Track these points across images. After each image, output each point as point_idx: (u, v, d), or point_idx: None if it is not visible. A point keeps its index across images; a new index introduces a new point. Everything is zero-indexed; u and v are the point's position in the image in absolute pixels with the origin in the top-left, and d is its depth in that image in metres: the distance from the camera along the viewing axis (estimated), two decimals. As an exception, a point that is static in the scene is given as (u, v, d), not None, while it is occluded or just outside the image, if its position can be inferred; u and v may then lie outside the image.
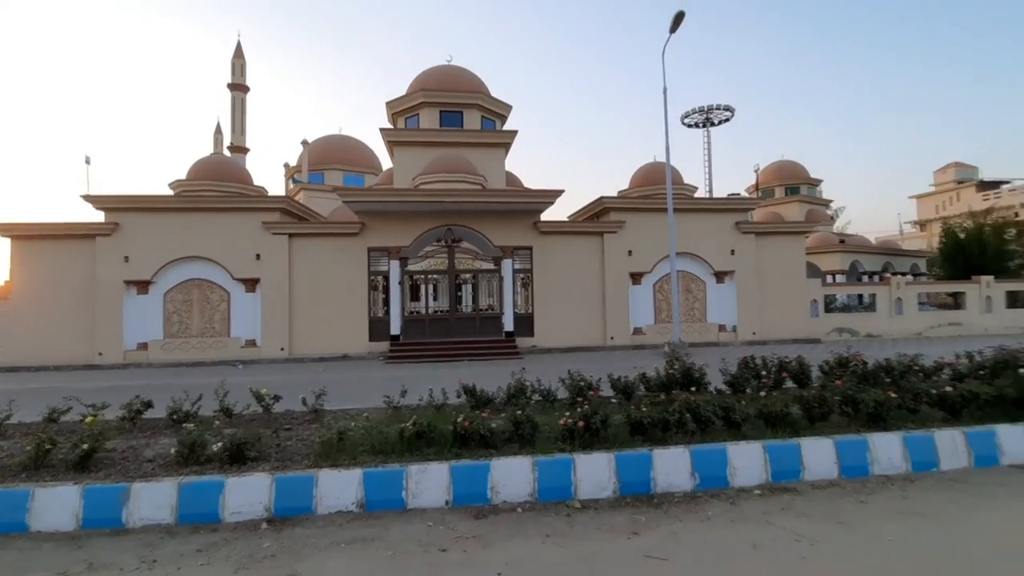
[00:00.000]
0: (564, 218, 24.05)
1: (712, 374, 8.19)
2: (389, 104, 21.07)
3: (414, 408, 7.31)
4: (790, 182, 42.65)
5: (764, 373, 7.96)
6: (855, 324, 21.54)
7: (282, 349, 17.55)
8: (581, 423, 5.61)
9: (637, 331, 19.76)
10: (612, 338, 19.22)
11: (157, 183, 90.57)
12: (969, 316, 22.28)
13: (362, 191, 19.13)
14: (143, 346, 17.18)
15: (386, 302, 18.68)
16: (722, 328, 20.31)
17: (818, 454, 5.63)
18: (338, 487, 4.94)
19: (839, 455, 5.64)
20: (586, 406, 5.90)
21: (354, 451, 5.53)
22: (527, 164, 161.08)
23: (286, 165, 39.63)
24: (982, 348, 8.82)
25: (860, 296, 24.56)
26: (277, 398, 7.49)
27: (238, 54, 42.86)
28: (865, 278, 36.37)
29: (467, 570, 3.99)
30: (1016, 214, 47.81)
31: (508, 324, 18.98)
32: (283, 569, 4.00)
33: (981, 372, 8.10)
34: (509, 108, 21.84)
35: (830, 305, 22.71)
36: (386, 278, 18.65)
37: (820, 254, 35.57)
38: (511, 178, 22.74)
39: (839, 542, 4.33)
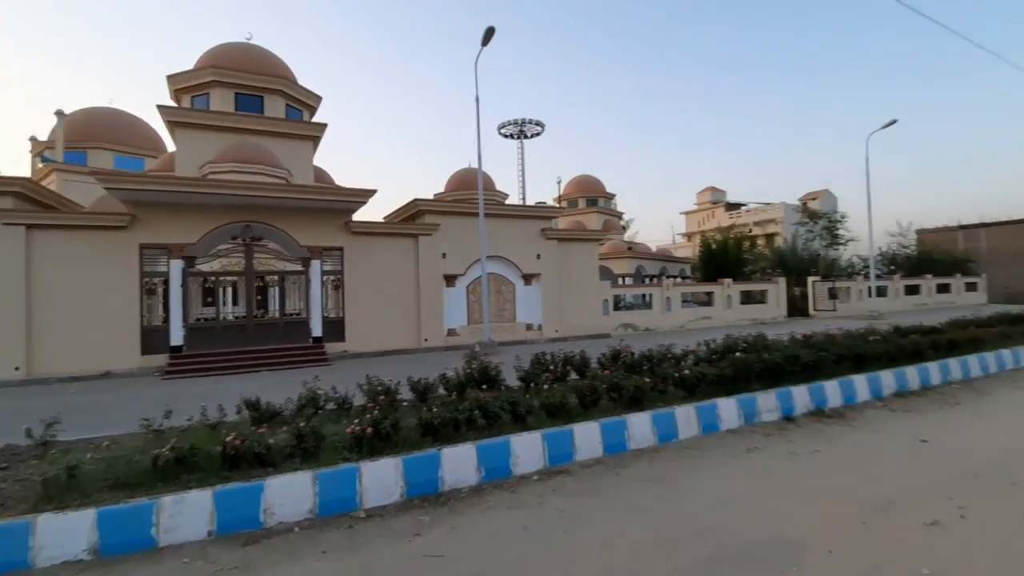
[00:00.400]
0: (379, 220, 23.47)
1: (509, 371, 8.76)
2: (171, 79, 18.16)
3: (183, 430, 6.37)
4: (590, 194, 47.88)
5: (552, 367, 8.75)
6: (636, 320, 25.01)
7: (16, 368, 13.93)
8: (370, 429, 5.50)
9: (451, 332, 20.20)
10: (426, 340, 19.33)
11: None
12: (717, 311, 27.52)
13: (132, 176, 16.12)
14: None
15: (166, 308, 16.09)
16: (530, 327, 21.85)
17: (587, 437, 6.37)
18: (63, 533, 4.07)
19: (603, 436, 6.46)
20: (376, 412, 5.80)
21: (92, 488, 4.63)
22: (342, 163, 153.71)
23: (32, 139, 31.77)
24: (718, 336, 10.92)
25: (644, 295, 28.64)
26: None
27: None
28: (647, 280, 42.54)
29: (226, 605, 3.62)
30: (750, 230, 60.54)
31: (316, 329, 17.83)
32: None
33: (713, 356, 10.03)
34: (319, 99, 20.53)
35: (619, 304, 26.03)
36: (165, 281, 16.06)
37: (613, 259, 40.50)
38: (321, 174, 21.44)
39: (594, 511, 4.95)
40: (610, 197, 50.18)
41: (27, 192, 14.69)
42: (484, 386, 7.88)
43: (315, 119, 20.92)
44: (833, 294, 32.03)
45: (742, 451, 6.70)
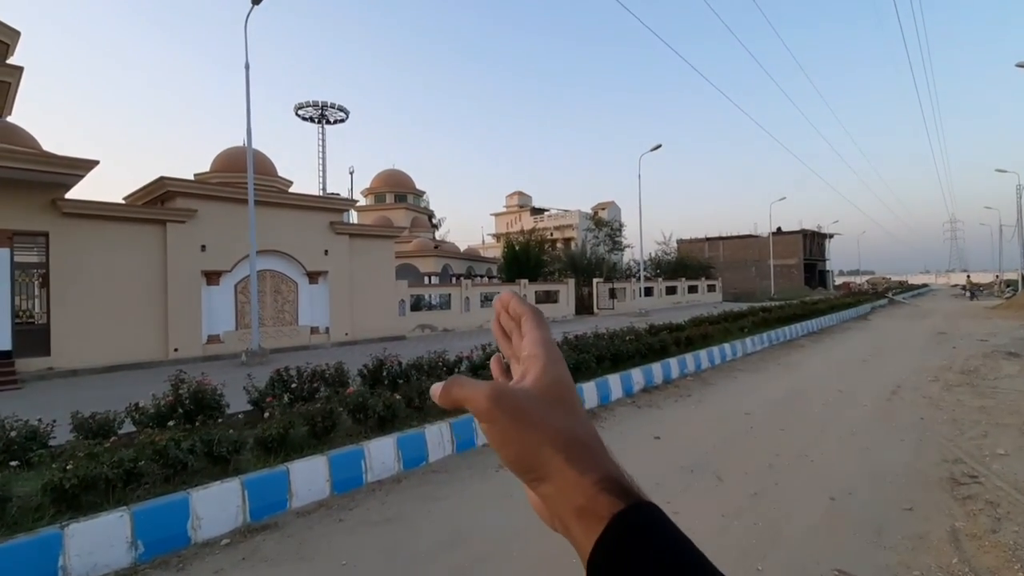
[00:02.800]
0: (121, 201, 18.86)
1: (239, 391, 7.16)
2: None
3: None
4: (398, 190, 46.39)
5: (294, 385, 7.40)
6: (435, 320, 24.51)
7: None
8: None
9: (213, 339, 17.09)
10: (176, 350, 15.98)
11: None
12: (513, 310, 28.53)
13: None
14: None
15: None
16: (315, 330, 19.73)
17: (308, 475, 5.24)
18: None
19: (332, 471, 5.40)
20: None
21: None
22: (62, 129, 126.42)
23: None
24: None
25: (450, 295, 28.36)
26: None
27: None
28: (453, 279, 42.76)
29: None
30: (551, 234, 65.52)
31: (3, 341, 13.35)
32: None
33: (488, 362, 9.71)
34: (16, 34, 15.47)
35: (419, 304, 25.25)
36: None
37: (419, 257, 39.72)
38: (21, 136, 16.30)
39: (285, 587, 3.86)
40: (420, 194, 49.36)
41: None
42: (196, 417, 6.21)
43: (12, 61, 15.76)
44: (612, 294, 35.90)
45: (493, 470, 6.23)
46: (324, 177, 42.05)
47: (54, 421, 5.64)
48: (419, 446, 6.27)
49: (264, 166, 20.83)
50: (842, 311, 27.35)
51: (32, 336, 13.90)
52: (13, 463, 4.62)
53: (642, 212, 33.19)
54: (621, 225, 44.63)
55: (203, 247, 16.74)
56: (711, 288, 47.44)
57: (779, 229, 65.50)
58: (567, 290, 32.87)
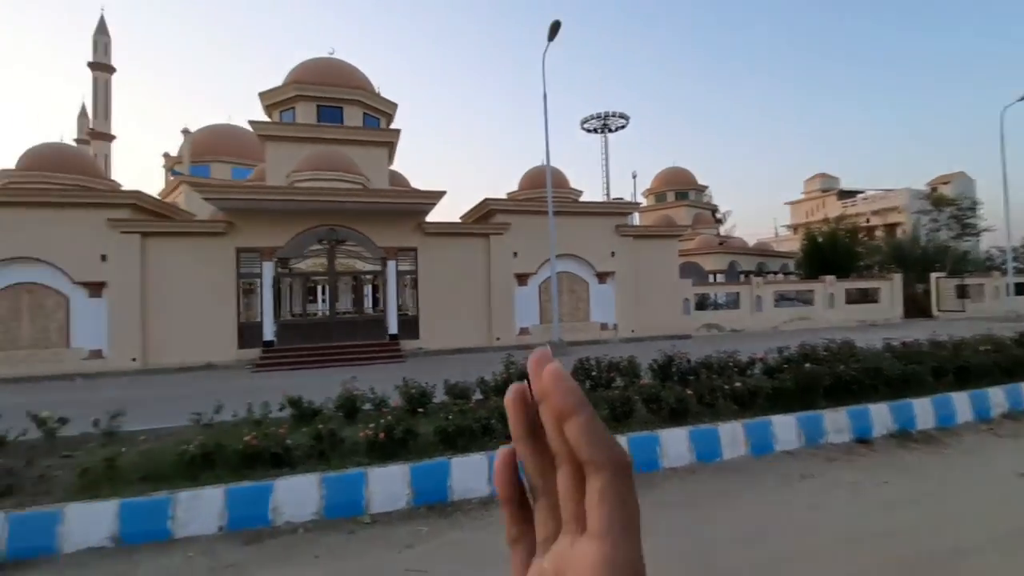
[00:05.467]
0: (457, 220, 24.01)
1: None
2: (263, 95, 19.90)
3: (232, 424, 6.88)
4: (679, 187, 45.62)
5: (594, 373, 8.36)
6: (722, 320, 23.40)
7: (134, 359, 16.00)
8: (382, 435, 5.56)
9: (523, 331, 20.17)
10: (498, 339, 19.46)
11: None
12: (816, 311, 25.00)
13: (226, 187, 17.88)
14: (-42, 360, 14.95)
15: (259, 306, 17.64)
16: (603, 327, 21.24)
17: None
18: (89, 522, 4.51)
19: (631, 452, 6.02)
20: (388, 417, 5.85)
21: (125, 479, 5.10)
22: (422, 167, 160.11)
23: (165, 155, 36.39)
24: (813, 340, 9.89)
25: (738, 294, 26.75)
26: (64, 420, 6.73)
27: (101, 30, 38.59)
28: (741, 277, 39.71)
29: (211, 602, 3.79)
30: (868, 220, 54.40)
31: (392, 327, 18.62)
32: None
33: (786, 366, 9.03)
34: (394, 106, 21.41)
35: (705, 303, 24.50)
36: (259, 281, 17.60)
37: (703, 255, 38.31)
38: (399, 178, 22.35)
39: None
40: (702, 189, 47.54)
41: (140, 203, 16.74)
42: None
43: (392, 126, 21.83)
44: (963, 292, 27.91)
45: (795, 477, 5.93)
46: (608, 183, 44.41)
47: (434, 385, 7.81)
48: (711, 441, 6.40)
49: (559, 180, 23.46)
50: None
51: (407, 324, 18.98)
52: (420, 410, 6.70)
53: (1007, 183, 24.83)
54: (975, 203, 34.01)
55: (515, 254, 19.94)
56: None
57: None
58: (891, 288, 26.99)
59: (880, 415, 7.29)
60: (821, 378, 7.58)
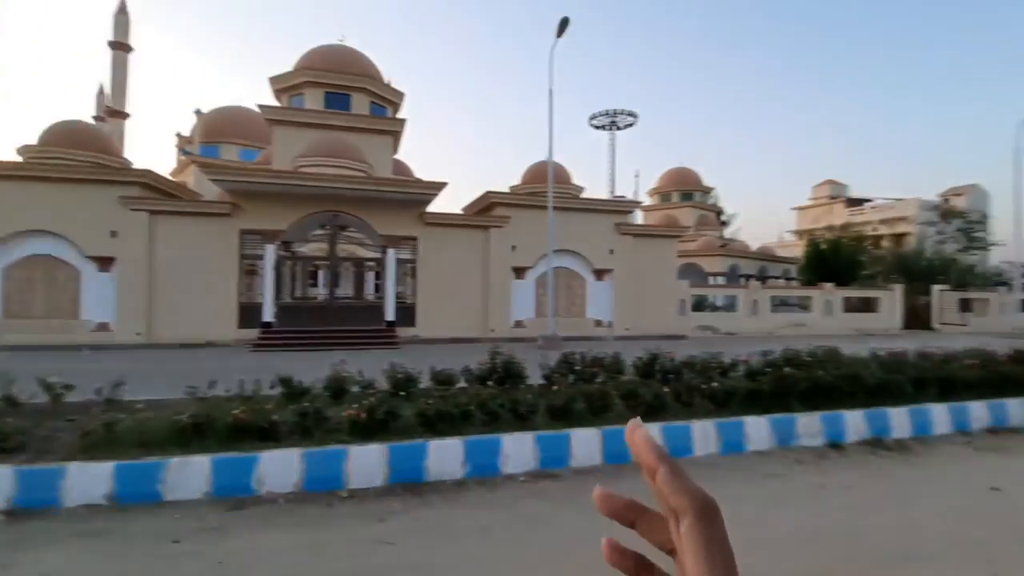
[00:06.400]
0: (459, 211, 24.20)
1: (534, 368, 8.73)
2: (272, 80, 20.12)
3: (225, 398, 7.15)
4: (685, 188, 45.60)
5: (578, 367, 8.58)
6: (718, 322, 23.56)
7: (138, 334, 16.35)
8: (364, 415, 5.81)
9: (518, 324, 20.40)
10: (493, 330, 19.71)
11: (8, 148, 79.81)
12: (813, 318, 25.11)
13: (232, 168, 18.18)
14: (-33, 327, 15.34)
15: (260, 287, 17.95)
16: (599, 323, 21.45)
17: (585, 443, 6.21)
18: (88, 481, 4.80)
19: (604, 443, 6.26)
20: (372, 399, 6.10)
21: (123, 444, 5.37)
22: (425, 155, 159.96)
23: (178, 135, 36.73)
24: (801, 346, 10.10)
25: (735, 297, 26.86)
26: (69, 387, 7.04)
27: (122, 10, 38.83)
28: (743, 280, 39.76)
29: (193, 560, 4.06)
30: (875, 229, 54.13)
31: (389, 314, 18.89)
32: (-4, 561, 3.89)
33: (768, 369, 9.23)
34: (402, 96, 21.57)
35: (702, 304, 24.65)
36: (261, 262, 17.89)
37: (704, 256, 38.38)
38: (402, 167, 22.56)
39: (565, 520, 4.84)
40: (708, 191, 47.52)
41: (150, 182, 17.03)
42: (505, 381, 7.94)
43: (398, 115, 22.00)
44: (966, 306, 27.92)
45: (759, 476, 6.15)
46: (613, 180, 44.45)
47: (420, 371, 8.06)
48: (683, 437, 6.62)
49: (561, 176, 23.59)
50: None
51: (405, 312, 19.24)
52: (402, 393, 6.96)
53: (1020, 196, 24.78)
54: (983, 216, 33.86)
55: (513, 247, 20.15)
56: None
57: None
58: (891, 298, 27.04)
59: (855, 421, 7.49)
60: (797, 382, 7.78)
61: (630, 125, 44.32)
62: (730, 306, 24.55)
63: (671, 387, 7.36)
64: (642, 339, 20.24)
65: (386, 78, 22.38)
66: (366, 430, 5.88)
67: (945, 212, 35.50)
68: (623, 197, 34.60)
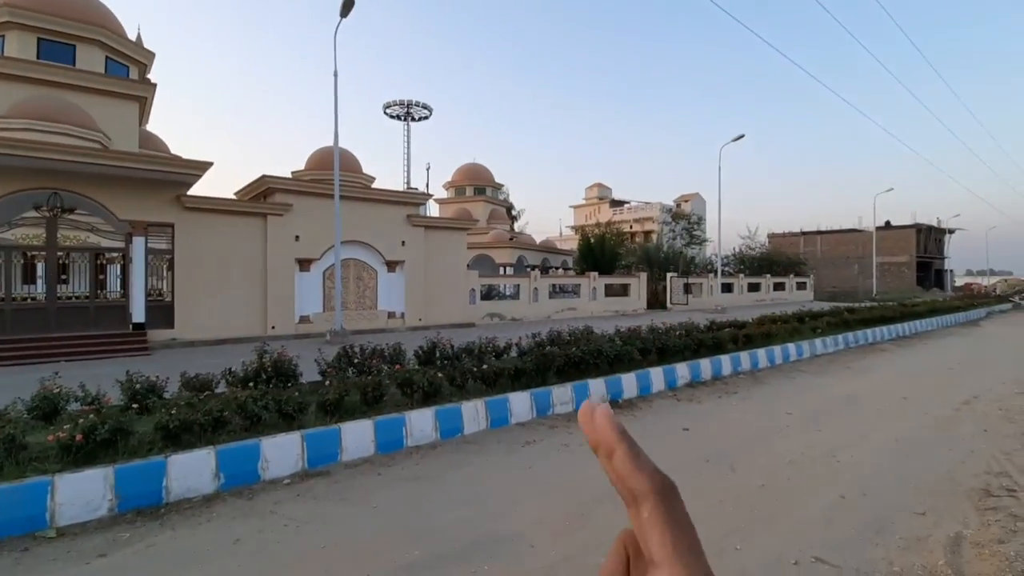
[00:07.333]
0: (232, 197, 21.48)
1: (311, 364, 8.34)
2: (-53, 11, 15.09)
3: None
4: (478, 183, 47.87)
5: (357, 360, 8.46)
6: (504, 310, 25.43)
7: None
8: (79, 437, 4.86)
9: (304, 319, 19.11)
10: (274, 327, 18.09)
11: None
12: (582, 303, 28.86)
13: None
14: None
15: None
16: (391, 315, 21.32)
17: (358, 436, 6.18)
18: None
19: (377, 434, 6.32)
20: (91, 416, 5.15)
21: None
22: (191, 132, 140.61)
23: None
24: (580, 326, 11.36)
25: (518, 285, 29.21)
26: None
27: None
28: (529, 270, 43.59)
29: None
30: (631, 227, 64.30)
31: (138, 314, 15.90)
32: None
33: (536, 349, 10.34)
34: (151, 56, 18.20)
35: (491, 293, 26.29)
36: (-69, 253, 13.40)
37: (495, 248, 40.94)
38: (155, 141, 19.11)
39: (326, 519, 4.76)
40: (499, 187, 50.59)
41: None
42: (275, 381, 7.41)
43: (149, 78, 18.54)
44: (688, 289, 34.99)
45: (520, 445, 6.91)
46: (408, 172, 44.41)
47: (167, 378, 7.04)
48: (455, 419, 7.06)
49: (350, 164, 22.71)
50: (947, 314, 24.93)
51: (160, 311, 16.41)
52: (135, 406, 5.96)
53: (721, 205, 32.12)
54: (699, 218, 43.09)
55: (296, 237, 18.73)
56: (800, 286, 44.58)
57: (888, 223, 59.82)
58: (639, 284, 32.55)
59: (597, 388, 8.88)
60: (555, 359, 8.90)
61: (425, 118, 44.74)
62: (515, 294, 26.67)
63: (445, 372, 7.74)
64: (434, 328, 20.81)
65: (137, 33, 18.57)
66: (88, 454, 4.93)
67: (676, 214, 44.13)
68: (416, 189, 34.82)
